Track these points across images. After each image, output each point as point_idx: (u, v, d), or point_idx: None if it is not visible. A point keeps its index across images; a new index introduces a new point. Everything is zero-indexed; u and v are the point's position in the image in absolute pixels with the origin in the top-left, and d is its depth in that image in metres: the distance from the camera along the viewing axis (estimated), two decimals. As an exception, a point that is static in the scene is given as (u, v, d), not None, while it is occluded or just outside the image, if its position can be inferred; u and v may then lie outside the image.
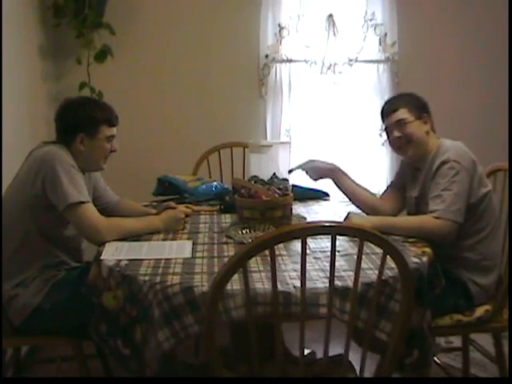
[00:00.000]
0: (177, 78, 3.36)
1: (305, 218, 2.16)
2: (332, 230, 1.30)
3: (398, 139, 2.07)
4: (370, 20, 3.34)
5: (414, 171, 2.16)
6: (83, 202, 1.87)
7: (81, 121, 2.00)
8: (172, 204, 2.22)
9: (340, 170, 2.25)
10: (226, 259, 1.62)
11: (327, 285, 1.35)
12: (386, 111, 2.12)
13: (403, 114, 2.06)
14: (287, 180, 2.16)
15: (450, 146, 1.99)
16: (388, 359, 1.42)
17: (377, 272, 1.36)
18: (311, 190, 2.59)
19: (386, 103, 2.16)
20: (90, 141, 2.00)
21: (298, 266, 1.31)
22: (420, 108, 2.07)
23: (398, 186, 2.25)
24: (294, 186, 2.20)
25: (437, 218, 1.86)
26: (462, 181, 1.90)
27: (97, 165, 2.07)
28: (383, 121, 2.14)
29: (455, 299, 1.93)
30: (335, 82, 3.41)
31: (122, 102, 2.68)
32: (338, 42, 3.33)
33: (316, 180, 2.29)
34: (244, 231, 1.95)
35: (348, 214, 2.00)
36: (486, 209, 1.98)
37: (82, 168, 2.03)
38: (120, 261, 1.67)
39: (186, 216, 2.12)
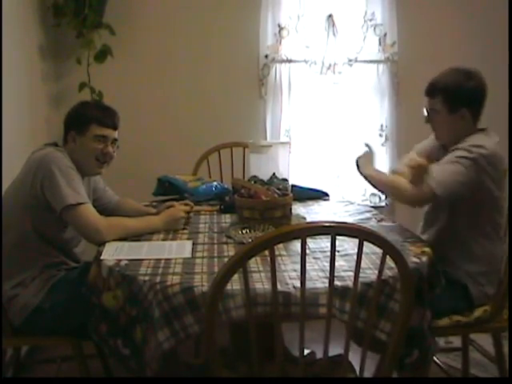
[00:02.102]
0: (177, 78, 3.36)
1: (304, 218, 2.16)
2: (332, 230, 1.30)
3: (426, 120, 2.10)
4: (370, 20, 3.34)
5: (442, 151, 2.12)
6: (81, 203, 1.88)
7: (72, 118, 2.04)
8: (173, 204, 2.22)
9: None
10: (226, 259, 1.62)
11: (327, 285, 1.35)
12: (426, 91, 2.07)
13: (437, 103, 2.02)
14: (287, 180, 2.16)
15: (478, 140, 1.95)
16: (388, 359, 1.42)
17: (376, 272, 1.36)
18: (311, 189, 2.59)
19: (431, 81, 2.08)
20: (81, 139, 2.01)
21: (298, 266, 1.31)
22: (460, 100, 1.99)
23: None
24: (293, 186, 2.20)
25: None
26: (464, 165, 1.87)
27: (88, 166, 2.04)
28: None
29: (455, 301, 1.93)
30: (335, 82, 3.40)
31: (122, 102, 2.68)
32: (337, 42, 3.32)
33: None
34: (244, 231, 1.95)
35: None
36: (490, 210, 1.97)
37: (81, 172, 2.02)
38: (120, 261, 1.67)
39: (188, 213, 2.12)
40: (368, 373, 1.46)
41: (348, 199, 2.59)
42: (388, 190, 2.20)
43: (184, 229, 2.04)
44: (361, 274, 1.35)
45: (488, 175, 1.91)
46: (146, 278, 1.53)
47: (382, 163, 3.49)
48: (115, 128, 2.06)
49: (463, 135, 2.01)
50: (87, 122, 2.00)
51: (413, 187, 1.95)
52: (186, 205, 2.22)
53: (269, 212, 1.95)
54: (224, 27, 3.33)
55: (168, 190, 2.56)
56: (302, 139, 3.44)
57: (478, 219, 1.98)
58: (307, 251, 1.35)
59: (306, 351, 1.55)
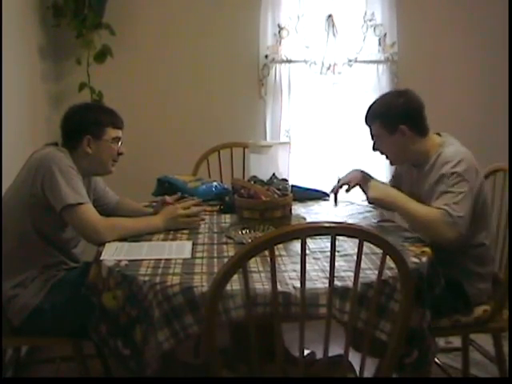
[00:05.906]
0: (176, 78, 3.36)
1: (304, 219, 2.16)
2: (331, 230, 1.30)
3: (373, 149, 2.11)
4: (370, 20, 3.34)
5: (410, 168, 2.14)
6: (81, 203, 1.88)
7: (86, 123, 2.04)
8: (167, 199, 2.21)
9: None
10: (225, 259, 1.62)
11: (327, 285, 1.35)
12: (364, 121, 2.11)
13: (376, 129, 2.05)
14: (287, 180, 2.16)
15: (453, 154, 1.91)
16: (388, 359, 1.42)
17: (376, 272, 1.36)
18: (311, 190, 2.59)
19: (367, 110, 2.11)
20: (97, 142, 2.03)
21: (298, 267, 1.31)
22: (396, 119, 1.99)
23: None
24: (293, 186, 2.20)
25: (449, 215, 1.80)
26: (465, 190, 1.85)
27: (105, 167, 2.08)
28: None
29: (452, 300, 1.93)
30: (335, 82, 3.40)
31: (122, 102, 2.69)
32: (337, 43, 3.32)
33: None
34: (244, 231, 1.95)
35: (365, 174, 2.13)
36: (480, 214, 1.96)
37: (90, 172, 2.07)
38: (120, 261, 1.67)
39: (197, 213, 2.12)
40: (368, 373, 1.46)
41: (348, 199, 2.58)
42: (419, 224, 1.88)
43: (184, 229, 2.05)
44: (361, 275, 1.35)
45: (479, 183, 1.92)
46: (146, 278, 1.53)
47: (382, 163, 3.49)
48: (122, 128, 2.13)
49: (416, 149, 2.01)
50: (103, 125, 2.04)
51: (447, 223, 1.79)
52: (180, 199, 2.22)
53: (269, 212, 1.95)
54: (224, 27, 3.33)
55: (168, 190, 2.56)
56: (301, 139, 3.44)
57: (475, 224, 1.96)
58: (307, 251, 1.35)
59: (306, 351, 1.55)
